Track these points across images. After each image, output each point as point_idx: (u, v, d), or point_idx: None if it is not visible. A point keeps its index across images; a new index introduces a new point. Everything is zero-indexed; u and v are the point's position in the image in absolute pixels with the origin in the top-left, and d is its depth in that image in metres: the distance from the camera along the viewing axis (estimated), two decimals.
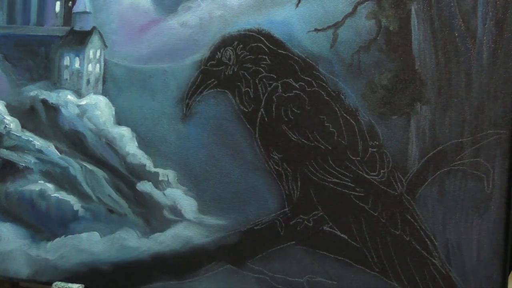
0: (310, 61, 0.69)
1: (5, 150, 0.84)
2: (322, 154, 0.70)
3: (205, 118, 0.74)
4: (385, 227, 0.68)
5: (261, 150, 0.72)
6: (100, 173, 0.80)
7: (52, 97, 0.81)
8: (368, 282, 0.69)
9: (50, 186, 0.82)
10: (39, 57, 0.82)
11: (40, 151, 0.82)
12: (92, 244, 0.80)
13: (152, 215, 0.78)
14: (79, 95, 0.80)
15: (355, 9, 0.68)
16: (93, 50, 0.79)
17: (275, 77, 0.71)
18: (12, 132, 0.83)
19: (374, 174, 0.68)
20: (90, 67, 0.80)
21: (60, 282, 0.81)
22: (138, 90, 0.77)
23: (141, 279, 0.78)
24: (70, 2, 0.81)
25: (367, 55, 0.68)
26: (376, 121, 0.68)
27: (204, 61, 0.74)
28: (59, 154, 0.81)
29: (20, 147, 0.83)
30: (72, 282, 0.81)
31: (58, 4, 0.81)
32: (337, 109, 0.69)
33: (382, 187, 0.68)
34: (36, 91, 0.82)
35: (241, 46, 0.71)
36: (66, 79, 0.81)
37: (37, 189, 0.83)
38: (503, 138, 0.64)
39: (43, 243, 0.82)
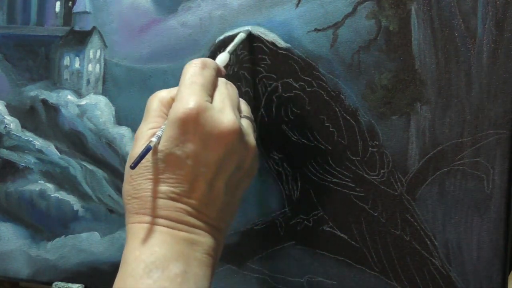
0: (310, 61, 0.69)
1: (5, 150, 0.84)
2: (322, 154, 0.70)
3: None
4: (385, 227, 0.68)
5: (261, 150, 0.72)
6: (100, 173, 0.80)
7: (52, 97, 0.81)
8: (368, 282, 0.69)
9: (50, 186, 0.82)
10: (39, 57, 0.82)
11: (40, 151, 0.82)
12: (92, 244, 0.80)
13: None
14: (79, 95, 0.80)
15: (355, 9, 0.68)
16: (93, 50, 0.79)
17: (275, 77, 0.71)
18: (12, 132, 0.83)
19: (374, 174, 0.68)
20: (90, 67, 0.80)
21: (60, 282, 0.81)
22: (138, 90, 0.77)
23: None
24: (70, 2, 0.81)
25: (367, 55, 0.68)
26: (376, 121, 0.68)
27: None
28: (59, 154, 0.81)
29: (20, 147, 0.83)
30: (72, 282, 0.81)
31: (58, 4, 0.81)
32: (337, 109, 0.69)
33: (382, 187, 0.68)
34: (36, 91, 0.82)
35: (241, 46, 0.71)
36: (66, 79, 0.81)
37: (37, 189, 0.83)
38: (503, 138, 0.64)
39: (43, 243, 0.82)
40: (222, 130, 0.54)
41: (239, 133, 0.55)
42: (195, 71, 0.57)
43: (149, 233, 0.53)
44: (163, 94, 0.58)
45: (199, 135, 0.53)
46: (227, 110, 0.56)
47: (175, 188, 0.54)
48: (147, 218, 0.54)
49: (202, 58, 0.59)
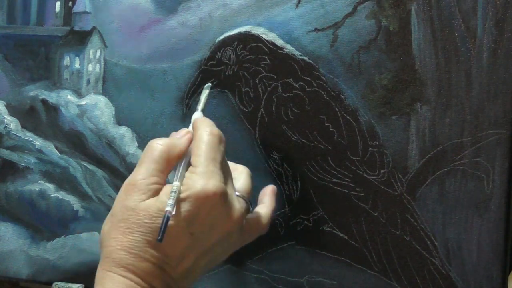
0: (310, 61, 0.69)
1: (5, 150, 0.84)
2: (322, 154, 0.70)
3: None
4: (385, 227, 0.68)
5: (261, 150, 0.72)
6: (100, 173, 0.80)
7: (52, 97, 0.81)
8: (368, 282, 0.69)
9: (50, 186, 0.82)
10: (39, 57, 0.82)
11: (40, 151, 0.82)
12: (92, 244, 0.80)
13: None
14: (79, 95, 0.80)
15: (355, 9, 0.68)
16: (93, 50, 0.79)
17: (275, 77, 0.71)
18: (12, 132, 0.83)
19: (374, 174, 0.68)
20: (90, 67, 0.80)
21: (60, 282, 0.81)
22: (138, 90, 0.77)
23: None
24: (70, 2, 0.81)
25: (367, 55, 0.68)
26: (376, 121, 0.68)
27: (204, 61, 0.74)
28: (59, 154, 0.81)
29: (20, 147, 0.83)
30: (72, 282, 0.81)
31: (58, 4, 0.81)
32: (337, 109, 0.69)
33: (382, 187, 0.68)
34: (36, 91, 0.82)
35: (241, 46, 0.71)
36: (66, 79, 0.81)
37: (37, 189, 0.83)
38: (503, 138, 0.64)
39: (43, 243, 0.82)
40: (231, 219, 0.56)
41: (241, 223, 0.58)
42: (214, 144, 0.57)
43: None
44: (169, 148, 0.57)
45: (210, 217, 0.54)
46: (240, 199, 0.59)
47: (167, 257, 0.54)
48: (132, 277, 0.53)
49: (218, 131, 0.58)
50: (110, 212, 0.57)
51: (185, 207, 0.53)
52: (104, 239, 0.56)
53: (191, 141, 0.59)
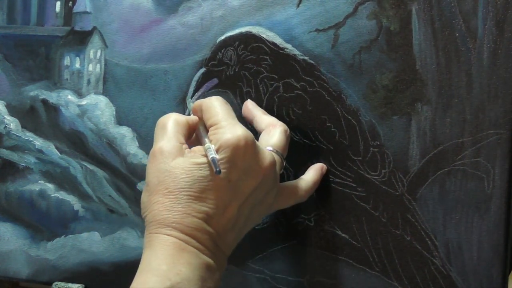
0: (311, 61, 0.69)
1: (5, 150, 0.84)
2: (323, 154, 0.70)
3: None
4: (386, 227, 0.68)
5: None
6: (100, 173, 0.80)
7: (52, 97, 0.81)
8: (369, 282, 0.69)
9: (50, 186, 0.82)
10: (39, 57, 0.81)
11: (40, 151, 0.82)
12: (92, 244, 0.80)
13: None
14: (80, 95, 0.80)
15: (356, 9, 0.68)
16: (94, 50, 0.79)
17: (276, 77, 0.71)
18: (12, 132, 0.83)
19: (375, 174, 0.68)
20: (90, 67, 0.79)
21: (60, 282, 0.81)
22: (139, 90, 0.77)
23: None
24: (71, 2, 0.80)
25: (368, 55, 0.68)
26: (377, 121, 0.68)
27: (205, 61, 0.74)
28: (59, 154, 0.81)
29: (20, 147, 0.83)
30: (72, 282, 0.80)
31: (58, 4, 0.81)
32: (338, 109, 0.69)
33: (383, 187, 0.68)
34: (36, 91, 0.82)
35: (242, 46, 0.71)
36: (67, 79, 0.81)
37: (37, 189, 0.83)
38: (504, 138, 0.64)
39: (43, 243, 0.82)
40: (262, 166, 0.58)
41: (274, 170, 0.60)
42: (225, 104, 0.61)
43: (179, 251, 0.55)
44: (178, 116, 0.61)
45: (244, 163, 0.57)
46: (271, 152, 0.61)
47: (210, 209, 0.56)
48: (179, 235, 0.55)
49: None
50: (145, 184, 0.59)
51: (220, 155, 0.56)
52: (145, 207, 0.58)
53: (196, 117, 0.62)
